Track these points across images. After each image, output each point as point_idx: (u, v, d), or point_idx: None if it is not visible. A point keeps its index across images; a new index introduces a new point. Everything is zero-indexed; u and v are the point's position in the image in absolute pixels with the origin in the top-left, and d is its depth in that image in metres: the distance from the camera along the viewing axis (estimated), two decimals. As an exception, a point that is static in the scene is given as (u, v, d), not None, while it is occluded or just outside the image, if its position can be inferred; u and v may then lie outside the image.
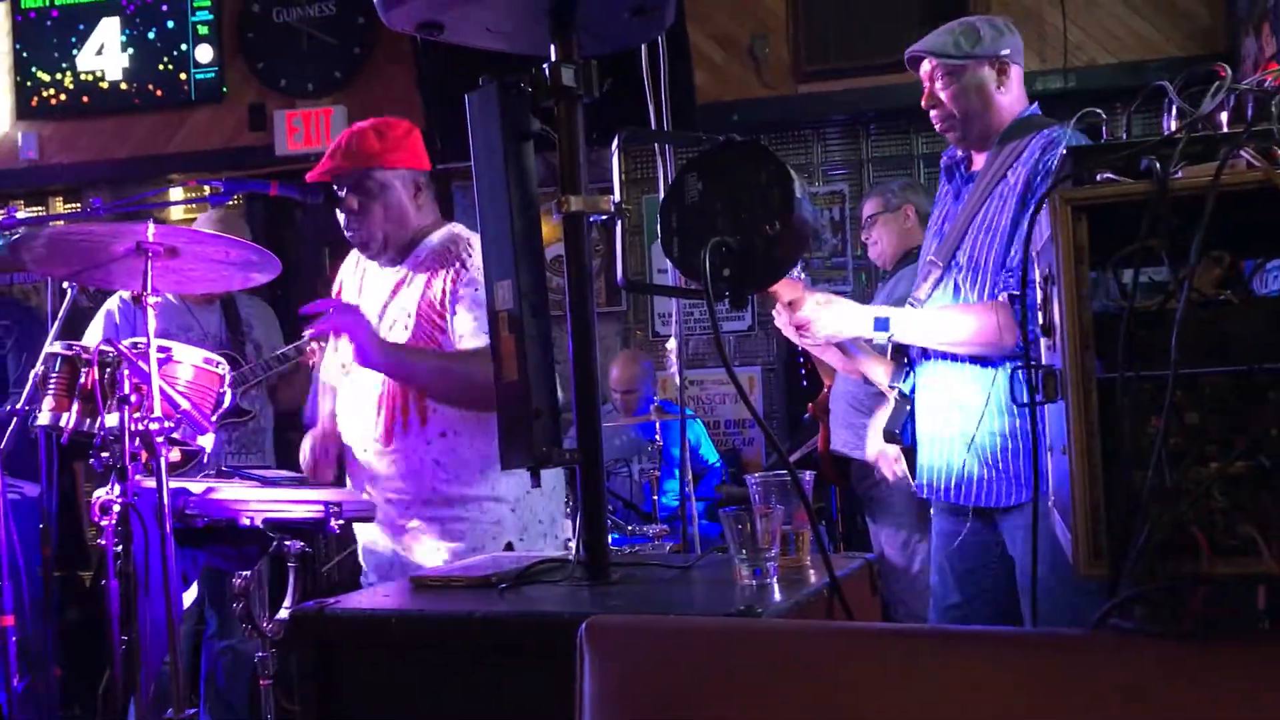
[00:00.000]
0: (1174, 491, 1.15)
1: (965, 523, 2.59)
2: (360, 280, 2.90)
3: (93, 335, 3.63)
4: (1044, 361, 1.40)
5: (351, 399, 2.81)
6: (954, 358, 2.55)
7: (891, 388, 2.70)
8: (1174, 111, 1.28)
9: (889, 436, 2.71)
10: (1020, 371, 1.47)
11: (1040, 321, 1.40)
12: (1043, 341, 1.43)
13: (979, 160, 2.63)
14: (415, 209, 2.77)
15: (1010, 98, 2.58)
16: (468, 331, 2.64)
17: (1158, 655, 1.19)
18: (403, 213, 2.75)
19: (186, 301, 3.82)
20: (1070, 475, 1.21)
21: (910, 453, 2.69)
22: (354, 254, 2.93)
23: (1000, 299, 2.43)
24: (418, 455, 2.71)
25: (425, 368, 2.66)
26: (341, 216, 2.75)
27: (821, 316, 2.50)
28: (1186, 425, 1.18)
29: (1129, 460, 1.19)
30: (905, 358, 2.69)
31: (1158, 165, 1.19)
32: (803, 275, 2.56)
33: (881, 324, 2.49)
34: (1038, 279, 1.43)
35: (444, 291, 2.68)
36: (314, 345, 3.81)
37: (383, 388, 2.73)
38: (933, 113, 2.62)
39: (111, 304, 3.83)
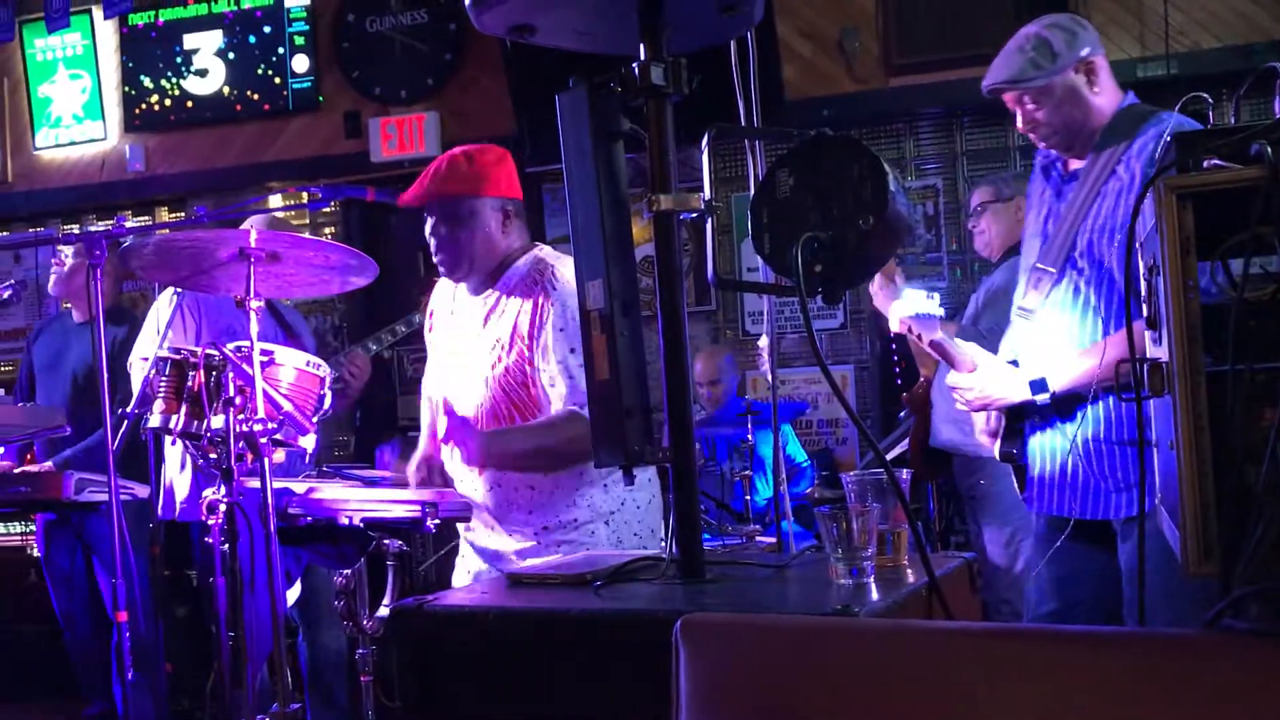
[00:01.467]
0: (1290, 487, 1.11)
1: (1066, 530, 2.55)
2: (453, 308, 2.93)
3: (172, 334, 3.61)
4: (1150, 355, 1.37)
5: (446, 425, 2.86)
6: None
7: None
8: (1286, 94, 1.24)
9: (1006, 457, 2.66)
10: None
11: (1145, 314, 1.36)
12: (1148, 334, 1.39)
13: (1077, 160, 2.56)
14: (502, 235, 2.79)
15: (1105, 93, 2.51)
16: (558, 395, 2.67)
17: (1274, 655, 1.14)
18: (489, 240, 2.77)
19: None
20: (1179, 471, 1.18)
21: (1023, 469, 2.65)
22: (445, 280, 2.96)
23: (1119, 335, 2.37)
24: (509, 479, 2.74)
25: (525, 451, 2.71)
26: (430, 241, 2.79)
27: (975, 387, 2.53)
28: (1302, 419, 1.14)
29: (1241, 455, 1.15)
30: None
31: (1269, 150, 1.15)
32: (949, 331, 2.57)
33: (1039, 386, 2.45)
34: (1142, 270, 1.40)
35: (531, 322, 2.70)
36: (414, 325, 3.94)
37: (474, 416, 2.77)
38: (1032, 134, 2.55)
39: (165, 301, 3.67)
